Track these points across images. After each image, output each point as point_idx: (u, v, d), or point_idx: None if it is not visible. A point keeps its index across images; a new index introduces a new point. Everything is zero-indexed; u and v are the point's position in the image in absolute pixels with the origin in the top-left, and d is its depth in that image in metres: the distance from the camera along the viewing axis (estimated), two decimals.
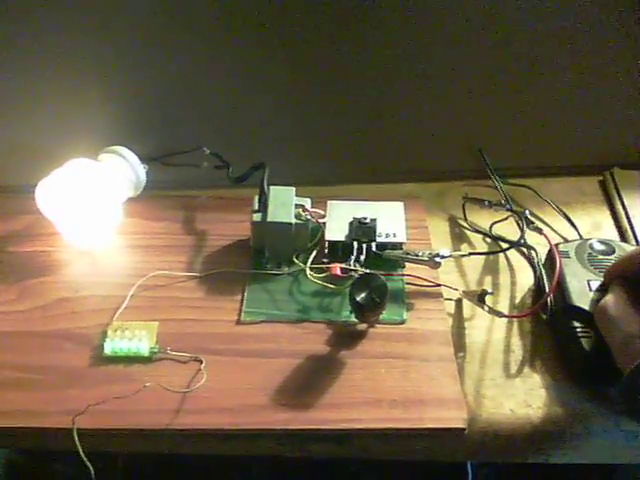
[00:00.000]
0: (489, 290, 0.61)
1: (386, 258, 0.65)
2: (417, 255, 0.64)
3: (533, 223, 0.68)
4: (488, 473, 0.84)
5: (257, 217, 0.66)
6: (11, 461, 0.92)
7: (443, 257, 0.63)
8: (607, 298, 0.53)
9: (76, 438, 0.50)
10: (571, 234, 0.71)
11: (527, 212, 0.68)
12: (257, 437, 0.55)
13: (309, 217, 0.66)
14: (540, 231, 0.67)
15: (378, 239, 0.66)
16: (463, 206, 0.74)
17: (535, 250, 0.68)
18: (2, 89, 0.71)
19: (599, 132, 0.78)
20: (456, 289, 0.65)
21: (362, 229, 0.66)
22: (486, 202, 0.72)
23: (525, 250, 0.70)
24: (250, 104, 0.74)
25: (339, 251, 0.66)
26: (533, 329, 0.63)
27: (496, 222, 0.72)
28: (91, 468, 0.50)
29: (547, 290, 0.62)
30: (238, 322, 0.62)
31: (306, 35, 0.69)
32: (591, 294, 0.58)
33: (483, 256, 0.70)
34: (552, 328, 0.62)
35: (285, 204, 0.66)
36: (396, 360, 0.58)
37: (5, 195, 0.77)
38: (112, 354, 0.58)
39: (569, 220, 0.72)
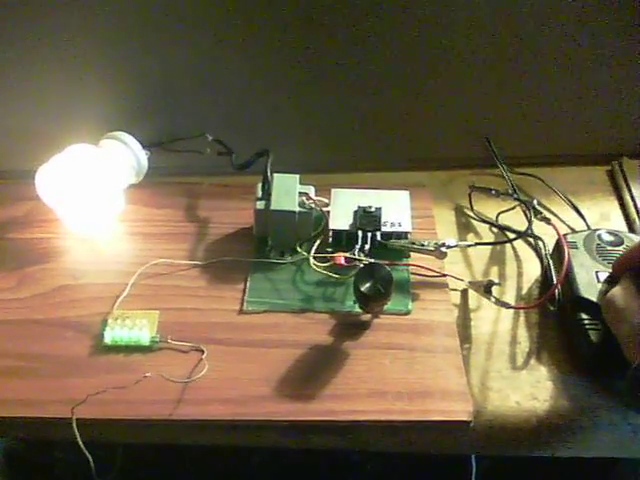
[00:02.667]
0: (495, 281, 0.61)
1: (391, 248, 0.65)
2: (423, 245, 0.63)
3: (541, 213, 0.68)
4: (493, 466, 0.84)
5: (260, 205, 0.65)
6: (11, 449, 0.92)
7: (449, 247, 0.62)
8: (615, 290, 0.53)
9: (75, 428, 0.50)
10: (579, 224, 0.70)
11: (535, 202, 0.68)
12: (259, 428, 0.54)
13: (313, 205, 0.65)
14: (548, 221, 0.67)
15: (383, 228, 0.65)
16: (470, 195, 0.73)
17: (542, 240, 0.68)
18: (2, 75, 0.71)
19: (607, 121, 0.77)
20: (462, 279, 0.64)
21: (367, 218, 0.65)
22: (493, 191, 0.71)
23: (532, 240, 0.69)
24: (254, 90, 0.73)
25: (343, 240, 0.66)
26: (540, 321, 0.62)
27: (503, 212, 0.71)
28: (90, 458, 0.50)
29: (554, 281, 0.61)
30: (240, 311, 0.62)
31: (311, 22, 0.68)
32: (599, 285, 0.57)
33: (489, 246, 0.69)
34: (559, 320, 0.61)
35: (289, 192, 0.65)
36: (401, 351, 0.58)
37: (5, 181, 0.77)
38: (112, 343, 0.58)
39: (577, 210, 0.71)
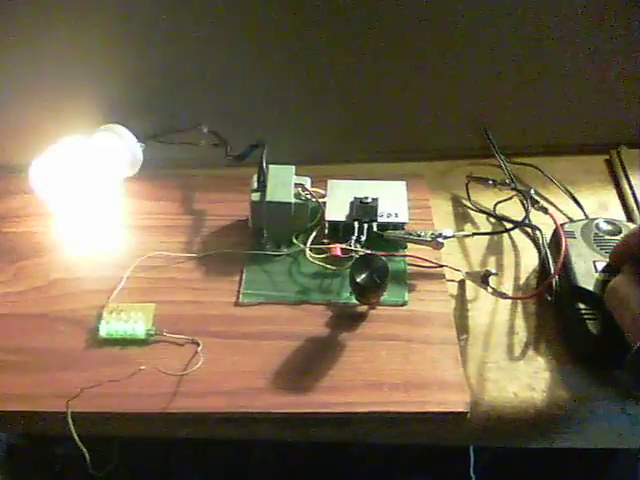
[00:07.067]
0: (493, 271, 0.60)
1: (388, 238, 0.64)
2: (419, 235, 0.63)
3: (538, 202, 0.67)
4: (490, 457, 0.84)
5: (256, 196, 0.64)
6: (12, 444, 0.92)
7: (446, 237, 0.62)
8: (617, 279, 0.53)
9: (70, 422, 0.50)
10: (577, 214, 0.70)
11: (532, 191, 0.67)
12: (255, 421, 0.54)
13: (309, 197, 0.65)
14: (545, 211, 0.66)
15: (379, 219, 0.64)
16: (467, 185, 0.73)
17: (540, 230, 0.67)
18: None
19: (606, 110, 0.76)
20: (459, 270, 0.63)
21: (363, 209, 0.65)
22: (490, 181, 0.70)
23: (530, 230, 0.69)
24: (249, 81, 0.73)
25: (339, 231, 0.65)
26: (537, 311, 0.61)
27: (500, 202, 0.70)
28: (85, 451, 0.50)
29: (552, 271, 0.61)
30: (236, 304, 0.61)
31: (307, 12, 0.67)
32: (597, 275, 0.57)
33: (487, 236, 0.69)
34: (557, 310, 0.61)
35: (284, 183, 0.65)
36: (397, 342, 0.57)
37: (0, 175, 0.76)
38: (108, 336, 0.57)
39: (575, 200, 0.71)
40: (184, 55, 0.70)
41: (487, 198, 0.72)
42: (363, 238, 0.63)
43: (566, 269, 0.58)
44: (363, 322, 0.59)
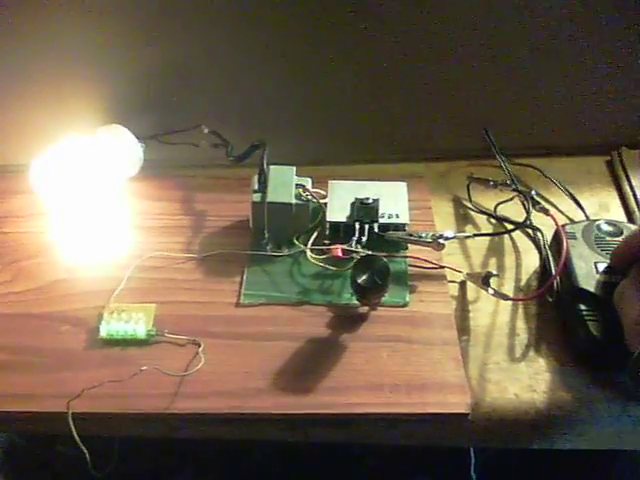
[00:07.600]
0: (494, 272, 0.60)
1: (388, 239, 0.64)
2: (420, 236, 0.63)
3: (539, 204, 0.67)
4: (491, 458, 0.84)
5: (257, 197, 0.64)
6: (12, 443, 0.92)
7: (447, 238, 0.62)
8: (625, 281, 0.53)
9: (71, 422, 0.50)
10: (578, 215, 0.70)
11: (533, 192, 0.67)
12: (256, 422, 0.54)
13: (310, 197, 0.65)
14: (546, 212, 0.66)
15: (380, 220, 0.64)
16: (468, 186, 0.73)
17: (541, 231, 0.67)
18: None
19: (606, 111, 0.76)
20: (460, 271, 0.63)
21: (364, 210, 0.65)
22: (491, 182, 0.70)
23: (531, 231, 0.69)
24: (250, 81, 0.73)
25: (340, 232, 0.65)
26: (538, 312, 0.61)
27: (501, 203, 0.70)
28: (86, 451, 0.50)
29: (553, 272, 0.61)
30: (237, 304, 0.61)
31: (308, 13, 0.67)
32: (598, 276, 0.57)
33: (488, 237, 0.69)
34: (558, 311, 0.61)
35: (285, 184, 0.65)
36: (398, 344, 0.57)
37: (0, 175, 0.76)
38: (108, 337, 0.57)
39: (576, 201, 0.71)
40: (185, 55, 0.70)
41: (488, 199, 0.72)
42: (364, 239, 0.63)
43: (567, 270, 0.58)
44: (364, 323, 0.59)
